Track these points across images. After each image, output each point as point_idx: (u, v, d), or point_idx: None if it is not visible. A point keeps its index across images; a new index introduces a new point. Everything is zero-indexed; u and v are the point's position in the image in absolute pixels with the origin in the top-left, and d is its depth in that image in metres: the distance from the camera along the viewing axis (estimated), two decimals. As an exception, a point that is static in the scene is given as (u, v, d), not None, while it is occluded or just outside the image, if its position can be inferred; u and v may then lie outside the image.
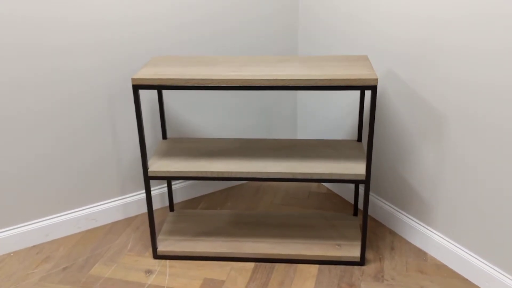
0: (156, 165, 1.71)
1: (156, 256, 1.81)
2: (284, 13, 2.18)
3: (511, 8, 1.34)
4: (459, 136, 1.60)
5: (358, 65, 1.61)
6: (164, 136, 1.95)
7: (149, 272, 1.75)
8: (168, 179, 1.69)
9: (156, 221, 2.06)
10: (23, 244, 1.90)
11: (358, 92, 2.00)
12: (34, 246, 1.92)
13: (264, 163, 1.71)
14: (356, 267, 1.75)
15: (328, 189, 2.34)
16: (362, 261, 1.75)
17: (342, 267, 1.75)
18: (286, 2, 2.17)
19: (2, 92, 1.71)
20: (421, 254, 1.82)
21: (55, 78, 1.78)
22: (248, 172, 1.65)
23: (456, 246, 1.71)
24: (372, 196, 2.06)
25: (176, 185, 2.21)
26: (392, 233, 1.95)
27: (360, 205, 2.10)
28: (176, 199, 2.22)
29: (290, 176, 1.65)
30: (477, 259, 1.64)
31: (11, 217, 1.87)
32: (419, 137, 1.76)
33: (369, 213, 2.09)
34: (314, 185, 2.38)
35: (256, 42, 2.16)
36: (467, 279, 1.68)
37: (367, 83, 1.47)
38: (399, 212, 1.93)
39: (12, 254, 1.87)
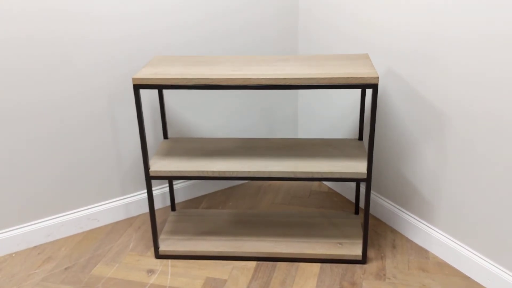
0: (158, 165, 1.71)
1: (158, 255, 1.82)
2: (284, 13, 2.18)
3: None
4: (460, 134, 1.60)
5: (359, 64, 1.61)
6: (165, 136, 1.95)
7: (151, 271, 1.75)
8: (170, 178, 1.69)
9: (158, 220, 2.07)
10: (25, 244, 1.90)
11: (359, 91, 2.00)
12: (35, 247, 1.92)
13: (265, 162, 1.71)
14: (357, 265, 1.75)
15: (329, 188, 2.34)
16: (363, 260, 1.75)
17: (344, 265, 1.75)
18: (287, 2, 2.17)
19: (3, 95, 1.71)
20: (422, 252, 1.82)
21: (55, 78, 1.78)
22: (249, 172, 1.66)
23: (457, 244, 1.71)
24: (373, 195, 2.06)
25: (178, 184, 2.21)
26: (394, 232, 1.95)
27: (362, 204, 2.10)
28: (178, 199, 2.22)
29: (292, 175, 1.65)
30: (479, 257, 1.64)
31: (12, 218, 1.87)
32: (420, 135, 1.76)
33: (371, 211, 2.09)
34: (315, 184, 2.38)
35: (256, 43, 2.16)
36: (469, 277, 1.68)
37: (368, 82, 1.47)
38: (401, 211, 1.93)
39: (14, 255, 1.87)
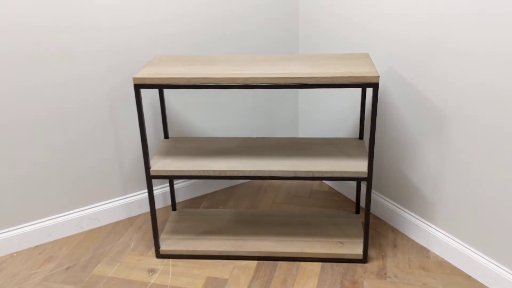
0: (158, 165, 1.71)
1: (159, 255, 1.82)
2: (284, 16, 2.18)
3: (512, 4, 1.34)
4: (460, 133, 1.60)
5: (359, 63, 1.61)
6: (166, 136, 1.95)
7: (152, 271, 1.75)
8: (170, 178, 1.69)
9: (159, 220, 2.07)
10: (26, 244, 1.90)
11: (359, 90, 2.00)
12: (36, 246, 1.92)
13: (266, 161, 1.71)
14: (358, 264, 1.75)
15: (330, 187, 2.34)
16: (364, 259, 1.75)
17: (345, 264, 1.75)
18: (286, 6, 2.17)
19: (6, 95, 1.71)
20: (423, 251, 1.82)
21: (57, 79, 1.78)
22: (250, 171, 1.66)
23: (458, 243, 1.71)
24: (374, 194, 2.06)
25: (178, 184, 2.21)
26: (394, 231, 1.96)
27: (362, 203, 2.11)
28: (178, 198, 2.23)
29: (292, 174, 1.65)
30: (480, 256, 1.64)
31: (13, 218, 1.87)
32: (420, 135, 1.76)
33: (371, 210, 2.09)
34: (316, 183, 2.38)
35: (257, 45, 2.15)
36: (469, 276, 1.68)
37: (368, 81, 1.47)
38: (401, 210, 1.93)
39: (15, 254, 1.88)
